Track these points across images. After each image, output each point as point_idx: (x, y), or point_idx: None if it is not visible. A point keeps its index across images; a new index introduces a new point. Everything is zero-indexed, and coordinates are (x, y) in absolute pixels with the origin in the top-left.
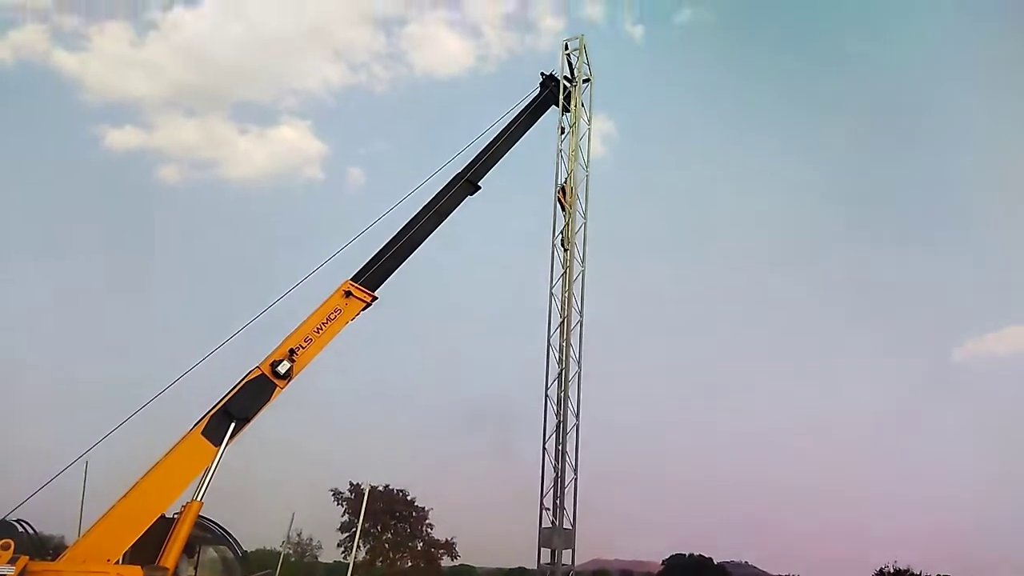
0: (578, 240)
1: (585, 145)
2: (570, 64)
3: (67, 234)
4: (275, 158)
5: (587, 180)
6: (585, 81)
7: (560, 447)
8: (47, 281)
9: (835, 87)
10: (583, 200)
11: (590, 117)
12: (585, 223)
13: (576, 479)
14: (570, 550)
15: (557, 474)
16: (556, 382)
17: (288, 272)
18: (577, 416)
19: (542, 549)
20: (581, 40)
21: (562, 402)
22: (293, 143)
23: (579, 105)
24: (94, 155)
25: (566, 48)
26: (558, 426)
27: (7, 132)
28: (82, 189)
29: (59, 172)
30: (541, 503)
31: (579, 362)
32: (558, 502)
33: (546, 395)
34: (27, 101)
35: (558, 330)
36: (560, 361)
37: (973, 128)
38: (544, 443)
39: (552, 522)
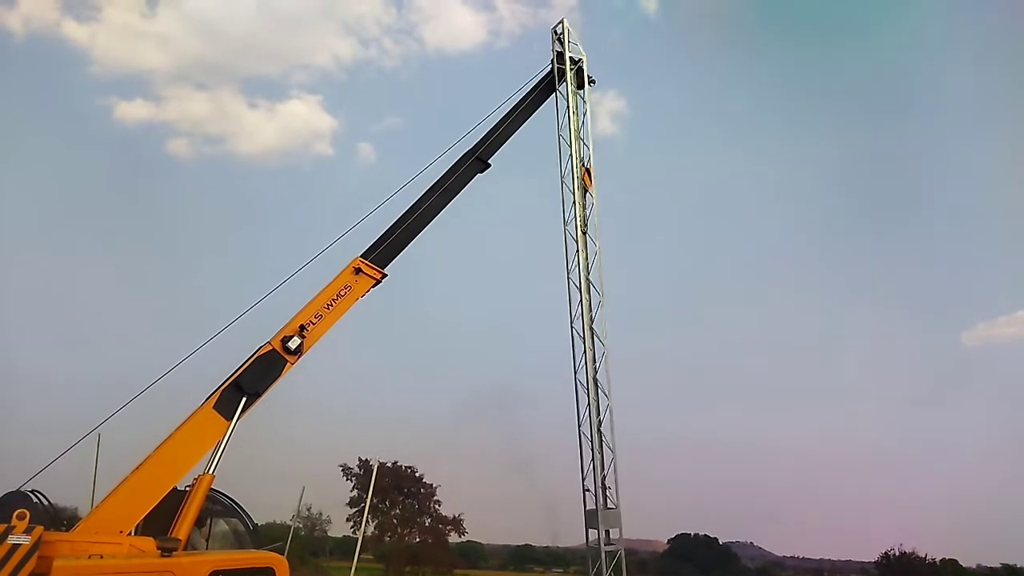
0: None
1: (588, 126)
2: (562, 49)
3: (78, 208)
4: (285, 133)
5: (587, 162)
6: (577, 63)
7: (598, 428)
8: (56, 257)
9: (852, 67)
10: (580, 181)
11: (586, 99)
12: (594, 204)
13: (615, 459)
14: (618, 528)
15: (602, 454)
16: (583, 365)
17: (298, 248)
18: (609, 396)
19: (589, 530)
20: (564, 24)
21: (596, 384)
22: (303, 118)
23: (569, 89)
24: (104, 127)
25: (555, 34)
26: (589, 408)
27: (17, 104)
28: (92, 161)
29: (69, 144)
30: (583, 485)
31: (603, 342)
32: (600, 482)
33: (575, 378)
34: (37, 72)
35: (579, 313)
36: (591, 345)
37: (989, 118)
38: (580, 426)
39: (606, 502)
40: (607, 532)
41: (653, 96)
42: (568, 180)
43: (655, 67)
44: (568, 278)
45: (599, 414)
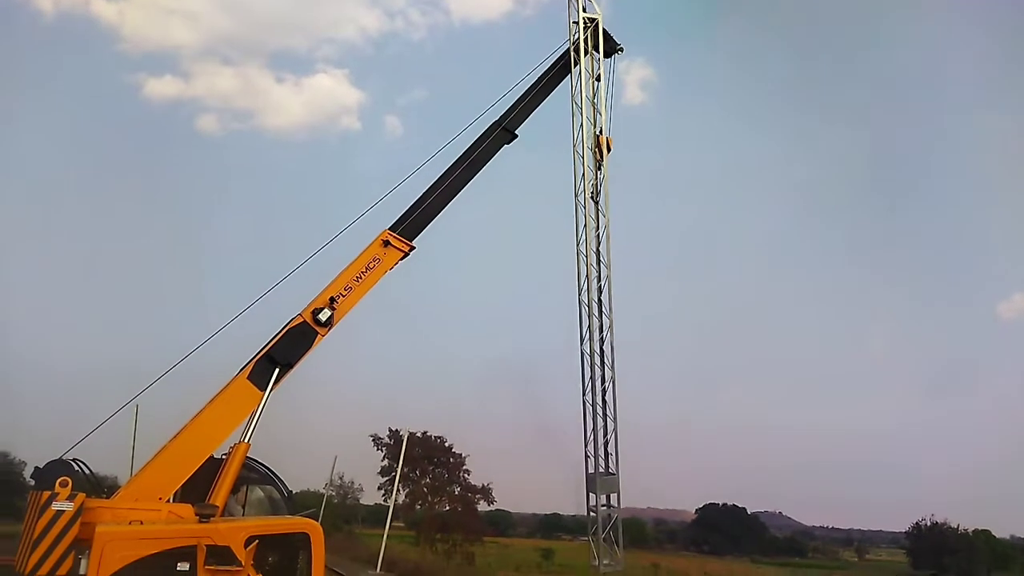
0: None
1: (609, 90)
2: (577, 9)
3: (110, 185)
4: (312, 107)
5: (604, 130)
6: (593, 23)
7: (603, 398)
8: (89, 235)
9: (884, 54)
10: (592, 150)
11: (600, 62)
12: (605, 176)
13: (616, 428)
14: (616, 494)
15: (604, 423)
16: (591, 335)
17: (326, 221)
18: (612, 368)
19: (590, 495)
20: None
21: (607, 356)
22: (330, 91)
23: (583, 51)
24: (134, 104)
25: None
26: (600, 379)
27: (47, 82)
28: (123, 138)
29: (99, 121)
30: (585, 452)
31: (606, 316)
32: (604, 450)
33: (581, 350)
34: (66, 50)
35: (587, 285)
36: (600, 316)
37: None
38: (583, 395)
39: (607, 468)
40: (607, 497)
41: (682, 65)
42: (580, 148)
43: (684, 36)
44: (578, 250)
45: (603, 384)
